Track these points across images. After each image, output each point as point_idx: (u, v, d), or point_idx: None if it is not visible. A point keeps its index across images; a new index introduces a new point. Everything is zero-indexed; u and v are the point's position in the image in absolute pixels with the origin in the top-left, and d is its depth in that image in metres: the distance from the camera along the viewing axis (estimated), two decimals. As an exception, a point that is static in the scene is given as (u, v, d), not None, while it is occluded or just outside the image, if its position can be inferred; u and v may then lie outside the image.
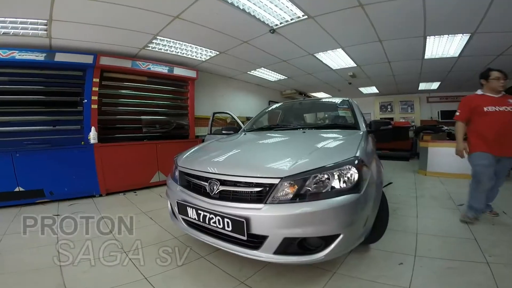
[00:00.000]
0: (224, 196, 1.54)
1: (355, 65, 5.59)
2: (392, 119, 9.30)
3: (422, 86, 7.95)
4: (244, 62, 5.32)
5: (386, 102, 9.96)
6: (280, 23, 3.55)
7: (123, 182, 4.22)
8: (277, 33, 3.77)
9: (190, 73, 5.24)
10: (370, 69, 6.03)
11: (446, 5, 3.02)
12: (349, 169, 1.45)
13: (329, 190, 1.39)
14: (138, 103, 4.72)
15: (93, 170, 3.92)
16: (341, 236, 1.36)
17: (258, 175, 1.47)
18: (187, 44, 4.33)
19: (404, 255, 1.91)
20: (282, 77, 6.63)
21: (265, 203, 1.40)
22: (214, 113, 5.20)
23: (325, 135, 2.19)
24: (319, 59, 5.14)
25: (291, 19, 3.44)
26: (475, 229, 2.40)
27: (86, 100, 4.04)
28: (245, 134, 2.72)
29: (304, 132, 2.37)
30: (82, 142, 3.96)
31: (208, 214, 1.54)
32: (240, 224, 1.40)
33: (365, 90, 8.73)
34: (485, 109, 2.43)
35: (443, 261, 1.82)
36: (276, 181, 1.41)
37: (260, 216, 1.38)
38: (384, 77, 6.88)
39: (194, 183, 1.76)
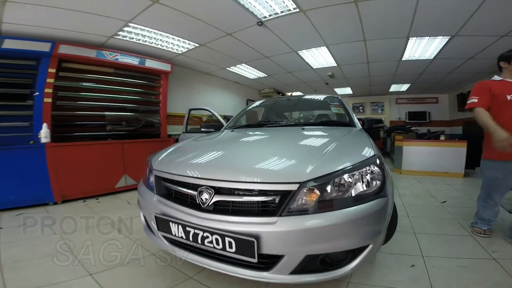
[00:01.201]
0: (220, 209, 1.23)
1: (335, 64, 5.58)
2: (364, 119, 9.61)
3: (393, 88, 8.30)
4: (225, 57, 4.97)
5: (359, 103, 10.28)
6: (269, 15, 3.30)
7: (83, 187, 3.63)
8: (264, 26, 3.51)
9: (164, 66, 4.75)
10: (348, 70, 6.07)
11: (437, 7, 3.01)
12: (373, 169, 1.24)
13: (356, 195, 1.18)
14: (101, 98, 4.12)
15: (45, 174, 3.29)
16: (370, 247, 1.17)
17: (269, 180, 1.17)
18: (164, 33, 3.88)
19: (412, 256, 1.84)
20: (262, 74, 6.39)
21: (280, 215, 1.12)
22: (190, 110, 4.71)
23: (327, 132, 1.98)
24: (301, 57, 5.00)
25: (281, 12, 3.21)
26: (466, 225, 2.43)
27: (37, 93, 3.39)
28: (232, 131, 2.37)
29: (303, 129, 2.12)
30: (32, 142, 3.32)
31: (201, 232, 1.21)
32: (249, 244, 1.11)
33: (340, 91, 8.88)
34: (509, 97, 1.96)
35: (452, 260, 1.79)
36: (294, 187, 1.14)
37: (275, 232, 1.10)
38: (360, 78, 7.02)
39: (177, 192, 1.40)
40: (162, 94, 4.87)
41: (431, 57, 4.99)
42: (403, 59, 5.17)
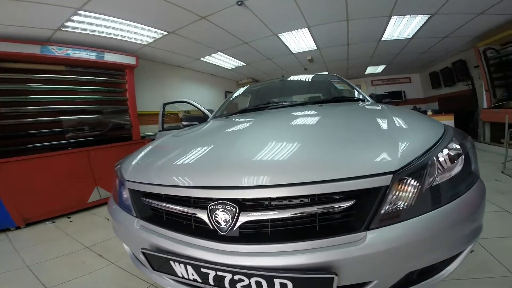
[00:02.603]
0: (252, 234, 0.84)
1: (315, 48, 5.36)
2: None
3: (369, 70, 8.33)
4: (198, 45, 4.49)
5: (335, 87, 10.26)
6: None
7: (48, 206, 3.11)
8: (245, 6, 3.12)
9: (128, 60, 4.17)
10: (328, 53, 5.90)
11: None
12: (457, 145, 0.93)
13: (452, 183, 0.86)
14: (55, 100, 3.48)
15: (-5, 197, 2.72)
16: (473, 241, 0.90)
17: (339, 176, 0.77)
18: (124, 21, 3.33)
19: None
20: (240, 63, 5.99)
21: (368, 228, 0.76)
22: (165, 105, 4.15)
23: (356, 107, 1.65)
24: (282, 41, 4.69)
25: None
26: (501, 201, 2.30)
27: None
28: (227, 118, 1.92)
29: (320, 106, 1.76)
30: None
31: (228, 275, 0.80)
32: (320, 283, 0.74)
33: (317, 76, 8.74)
34: None
35: (505, 239, 1.66)
36: (384, 180, 0.76)
37: (363, 256, 0.73)
38: (338, 62, 6.91)
39: (170, 213, 0.99)
40: (129, 91, 4.30)
41: (409, 37, 4.94)
42: (382, 39, 5.07)
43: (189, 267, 0.85)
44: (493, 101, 4.78)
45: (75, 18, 3.00)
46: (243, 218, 0.82)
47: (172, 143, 1.45)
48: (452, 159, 0.87)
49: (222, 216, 0.83)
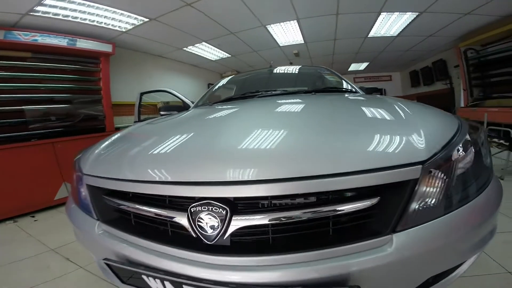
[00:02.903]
0: (246, 243, 0.70)
1: (303, 41, 5.27)
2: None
3: (353, 67, 8.41)
4: (181, 34, 4.20)
5: (319, 83, 10.31)
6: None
7: (9, 204, 2.81)
8: (235, -9, 2.90)
9: (104, 47, 3.85)
10: (314, 47, 5.83)
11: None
12: (476, 137, 0.86)
13: (474, 176, 0.77)
14: (18, 88, 3.11)
15: None
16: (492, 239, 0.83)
17: (359, 167, 0.64)
18: (101, 6, 3.02)
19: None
20: (225, 55, 5.75)
21: (394, 230, 0.64)
22: (142, 94, 3.85)
23: (354, 97, 1.52)
24: (270, 33, 4.53)
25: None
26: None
27: None
28: (210, 106, 1.71)
29: (315, 94, 1.64)
30: None
31: None
32: None
33: (302, 71, 8.70)
34: None
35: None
36: (413, 172, 0.64)
37: (391, 264, 0.61)
38: (324, 57, 6.88)
39: (140, 216, 0.82)
40: (103, 80, 3.98)
41: (395, 34, 4.98)
42: (369, 35, 5.07)
43: (167, 283, 0.68)
44: (470, 100, 4.98)
45: (46, 1, 2.70)
46: (237, 223, 0.65)
47: (145, 131, 1.23)
48: (473, 150, 0.78)
49: (208, 221, 0.67)
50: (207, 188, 0.67)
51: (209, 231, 0.66)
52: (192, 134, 0.96)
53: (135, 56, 4.87)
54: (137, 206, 0.79)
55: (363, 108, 1.08)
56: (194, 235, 0.68)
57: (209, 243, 0.67)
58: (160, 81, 5.52)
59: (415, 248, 0.62)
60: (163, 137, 0.99)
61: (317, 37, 5.03)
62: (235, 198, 0.68)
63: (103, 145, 1.10)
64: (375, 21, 4.26)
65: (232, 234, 0.67)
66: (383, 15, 4.02)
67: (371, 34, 4.97)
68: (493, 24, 3.94)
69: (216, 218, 0.66)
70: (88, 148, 1.15)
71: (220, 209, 0.65)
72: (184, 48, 5.05)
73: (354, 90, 1.95)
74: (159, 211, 0.75)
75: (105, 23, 3.50)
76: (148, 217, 0.80)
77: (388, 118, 0.91)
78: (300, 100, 1.38)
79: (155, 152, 0.86)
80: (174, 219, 0.72)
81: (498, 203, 0.79)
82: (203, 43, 4.80)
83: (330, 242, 0.64)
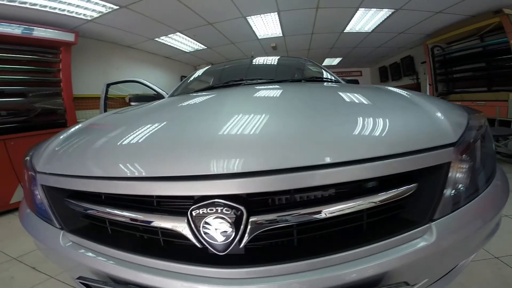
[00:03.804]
0: (266, 249, 0.59)
1: (281, 35, 5.21)
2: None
3: (326, 61, 8.57)
4: (154, 23, 3.87)
5: (293, 77, 10.40)
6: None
7: None
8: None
9: (65, 36, 3.47)
10: (292, 41, 5.81)
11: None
12: (485, 122, 0.85)
13: (492, 161, 0.78)
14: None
15: None
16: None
17: (397, 150, 0.56)
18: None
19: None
20: (200, 46, 5.46)
21: (431, 219, 0.59)
22: (108, 85, 3.44)
23: (350, 85, 1.49)
24: (249, 24, 4.38)
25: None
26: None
27: None
28: (190, 94, 1.49)
29: (302, 81, 1.58)
30: None
31: None
32: None
33: (277, 65, 8.67)
34: None
35: None
36: (446, 156, 0.59)
37: (432, 254, 0.57)
38: (300, 51, 6.91)
39: (117, 223, 0.67)
40: (63, 71, 3.63)
41: (370, 30, 5.11)
42: (345, 31, 5.15)
43: None
44: (435, 94, 5.33)
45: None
46: (256, 226, 0.53)
47: (117, 119, 1.03)
48: (488, 132, 0.79)
49: (218, 226, 0.53)
50: (213, 183, 0.53)
51: (220, 239, 0.53)
52: (182, 118, 0.80)
53: (101, 46, 4.44)
54: (114, 211, 0.63)
55: (368, 95, 1.00)
56: (199, 245, 0.55)
57: (219, 253, 0.54)
58: (128, 73, 5.09)
59: (455, 235, 0.59)
60: (143, 123, 0.81)
61: (295, 30, 5.00)
62: (250, 195, 0.55)
63: (62, 137, 0.90)
64: (353, 16, 4.31)
65: (249, 240, 0.54)
66: (361, 10, 4.07)
67: (347, 29, 5.05)
68: (458, 24, 4.21)
69: (229, 222, 0.52)
70: (42, 142, 0.93)
71: (233, 210, 0.52)
72: (156, 39, 4.69)
73: (340, 81, 1.89)
74: (146, 217, 0.59)
75: (68, 11, 3.12)
76: (130, 225, 0.64)
77: (401, 103, 0.86)
78: (297, 88, 1.27)
79: (135, 140, 0.69)
80: (168, 226, 0.57)
81: (508, 183, 0.78)
82: (178, 33, 4.49)
83: (366, 239, 0.57)
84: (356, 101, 0.91)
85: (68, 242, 0.69)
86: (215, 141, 0.61)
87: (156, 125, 0.76)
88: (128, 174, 0.58)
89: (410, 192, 0.58)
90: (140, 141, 0.69)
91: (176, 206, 0.61)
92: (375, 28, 4.93)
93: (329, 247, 0.55)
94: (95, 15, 3.34)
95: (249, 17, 4.03)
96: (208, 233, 0.53)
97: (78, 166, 0.69)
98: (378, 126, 0.64)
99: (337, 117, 0.72)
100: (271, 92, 1.18)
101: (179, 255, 0.58)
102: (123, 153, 0.66)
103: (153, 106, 1.19)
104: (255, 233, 0.53)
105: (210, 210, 0.53)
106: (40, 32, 3.19)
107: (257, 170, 0.52)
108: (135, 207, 0.62)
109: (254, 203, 0.56)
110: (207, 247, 0.54)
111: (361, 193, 0.58)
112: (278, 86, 1.31)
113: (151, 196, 0.61)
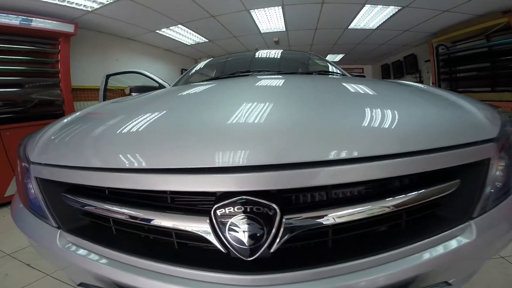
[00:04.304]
0: (294, 252, 0.53)
1: (284, 29, 5.13)
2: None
3: (328, 58, 8.46)
4: (156, 15, 3.78)
5: (295, 72, 10.31)
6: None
7: None
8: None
9: (64, 27, 3.42)
10: (295, 36, 5.72)
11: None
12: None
13: None
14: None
15: None
16: None
17: (438, 144, 0.53)
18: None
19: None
20: (202, 39, 5.37)
21: (471, 216, 0.56)
22: (108, 76, 3.33)
23: (370, 79, 1.43)
24: (252, 18, 4.30)
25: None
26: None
27: None
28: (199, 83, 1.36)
29: (320, 75, 1.51)
30: None
31: None
32: None
33: (279, 60, 8.59)
34: None
35: None
36: (487, 151, 0.57)
37: (472, 253, 0.56)
38: (302, 47, 6.79)
39: (124, 222, 0.59)
40: (61, 62, 3.59)
41: (374, 27, 5.04)
42: (349, 27, 5.08)
43: None
44: (438, 94, 5.31)
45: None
46: (289, 229, 0.47)
47: (118, 107, 0.94)
48: None
49: (248, 229, 0.47)
50: (243, 177, 0.46)
51: (248, 242, 0.47)
52: (199, 102, 0.73)
53: (101, 38, 4.36)
54: (120, 209, 0.55)
55: (393, 89, 0.94)
56: (223, 250, 0.49)
57: (246, 259, 0.48)
58: (128, 65, 5.00)
59: (493, 233, 0.58)
60: (152, 109, 0.75)
61: (299, 25, 4.92)
62: (280, 191, 0.49)
63: (60, 124, 0.82)
64: (358, 12, 4.24)
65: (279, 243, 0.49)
66: (367, 7, 4.00)
67: (352, 26, 4.98)
68: (464, 23, 4.15)
69: (260, 223, 0.46)
70: (37, 130, 0.85)
71: (266, 209, 0.46)
72: (157, 31, 4.60)
73: (342, 73, 1.84)
74: (159, 216, 0.52)
75: (68, 1, 3.06)
76: (138, 225, 0.57)
77: (431, 98, 0.82)
78: (312, 80, 1.20)
79: (147, 127, 0.62)
80: (185, 228, 0.50)
81: None
82: (179, 25, 4.40)
83: (407, 238, 0.53)
84: (386, 94, 0.86)
85: (66, 243, 0.62)
86: (246, 128, 0.55)
87: (169, 111, 0.69)
88: (139, 166, 0.51)
89: (453, 189, 0.55)
90: (153, 127, 0.61)
91: (193, 204, 0.54)
92: (380, 25, 4.86)
93: (365, 248, 0.51)
94: (96, 6, 3.26)
95: (253, 10, 3.95)
96: (234, 236, 0.47)
97: (78, 155, 0.60)
98: (416, 120, 0.60)
99: (377, 109, 0.67)
100: (293, 80, 1.11)
101: (196, 260, 0.52)
102: (133, 141, 0.58)
103: (161, 93, 1.11)
104: (288, 235, 0.47)
105: (237, 209, 0.46)
106: (38, 23, 3.13)
107: (300, 162, 0.46)
108: (145, 204, 0.56)
109: (285, 200, 0.51)
110: (230, 251, 0.49)
111: (402, 189, 0.54)
112: (295, 80, 1.22)
113: (165, 192, 0.54)
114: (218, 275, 0.48)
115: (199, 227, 0.49)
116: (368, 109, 0.65)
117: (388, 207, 0.51)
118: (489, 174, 0.57)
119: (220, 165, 0.47)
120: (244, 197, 0.47)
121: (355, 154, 0.48)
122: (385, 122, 0.58)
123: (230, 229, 0.47)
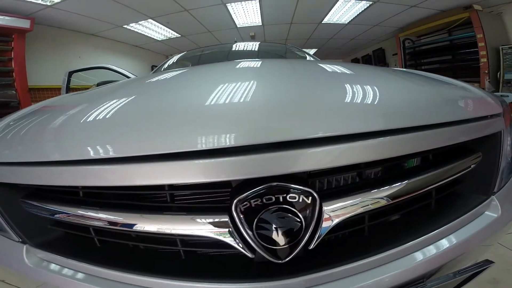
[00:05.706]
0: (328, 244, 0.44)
1: (261, 23, 5.09)
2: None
3: (301, 52, 8.61)
4: (124, 9, 3.51)
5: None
6: None
7: None
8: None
9: (17, 22, 3.15)
10: (271, 31, 5.70)
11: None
12: None
13: None
14: None
15: None
16: None
17: (452, 118, 0.48)
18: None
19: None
20: (173, 34, 5.10)
21: (493, 192, 0.55)
22: (71, 73, 2.80)
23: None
24: (229, 12, 4.18)
25: None
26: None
27: None
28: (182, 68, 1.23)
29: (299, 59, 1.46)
30: None
31: None
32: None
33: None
34: None
35: None
36: (499, 124, 0.57)
37: (497, 230, 0.54)
38: (278, 41, 6.81)
39: (106, 230, 0.46)
40: (16, 60, 3.32)
41: (346, 22, 5.19)
42: (323, 21, 5.16)
43: None
44: (405, 85, 5.66)
45: None
46: (329, 219, 0.39)
47: (86, 96, 0.72)
48: None
49: (283, 224, 0.36)
50: (271, 157, 0.35)
51: (284, 241, 0.37)
52: (190, 80, 0.60)
53: (61, 34, 4.00)
54: (103, 214, 0.42)
55: (383, 70, 0.88)
56: (250, 255, 0.38)
57: (277, 261, 0.37)
58: (92, 62, 4.56)
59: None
60: (131, 92, 0.60)
61: (275, 19, 4.90)
62: (312, 173, 0.41)
63: (13, 117, 0.64)
64: (332, 6, 4.32)
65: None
66: (340, 1, 4.08)
67: (325, 20, 5.07)
68: (429, 18, 4.42)
69: (297, 215, 0.37)
70: None
71: (302, 196, 0.37)
72: (125, 26, 4.28)
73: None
74: (157, 220, 0.40)
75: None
76: (129, 233, 0.45)
77: (434, 79, 0.79)
78: (301, 63, 1.08)
79: (132, 108, 0.49)
80: (195, 232, 0.38)
81: None
82: (149, 20, 4.13)
83: (438, 219, 0.49)
84: (384, 76, 0.77)
85: (35, 260, 0.48)
86: (271, 98, 0.45)
87: (154, 90, 0.57)
88: (127, 153, 0.37)
89: (476, 163, 0.54)
90: (142, 107, 0.49)
91: (202, 200, 0.44)
92: (351, 20, 5.00)
93: (400, 235, 0.46)
94: (56, -1, 2.91)
95: (229, 4, 3.83)
96: (264, 234, 0.36)
97: (40, 148, 0.45)
98: (433, 97, 0.57)
99: (395, 84, 0.63)
100: (288, 65, 0.95)
101: (211, 271, 0.41)
102: (118, 122, 0.44)
103: (140, 77, 0.97)
104: (329, 228, 0.39)
105: (267, 199, 0.36)
106: (-13, 17, 2.78)
107: (348, 134, 0.38)
108: (136, 206, 0.43)
109: (318, 185, 0.44)
110: (258, 254, 0.38)
111: (431, 166, 0.49)
112: (289, 61, 1.14)
113: (163, 188, 0.42)
114: (247, 285, 0.38)
115: (213, 229, 0.38)
116: (394, 83, 0.63)
117: (419, 187, 0.46)
118: (503, 148, 0.58)
119: (241, 143, 0.35)
120: (275, 183, 0.36)
121: (397, 125, 0.42)
122: (414, 95, 0.55)
123: (258, 227, 0.36)
